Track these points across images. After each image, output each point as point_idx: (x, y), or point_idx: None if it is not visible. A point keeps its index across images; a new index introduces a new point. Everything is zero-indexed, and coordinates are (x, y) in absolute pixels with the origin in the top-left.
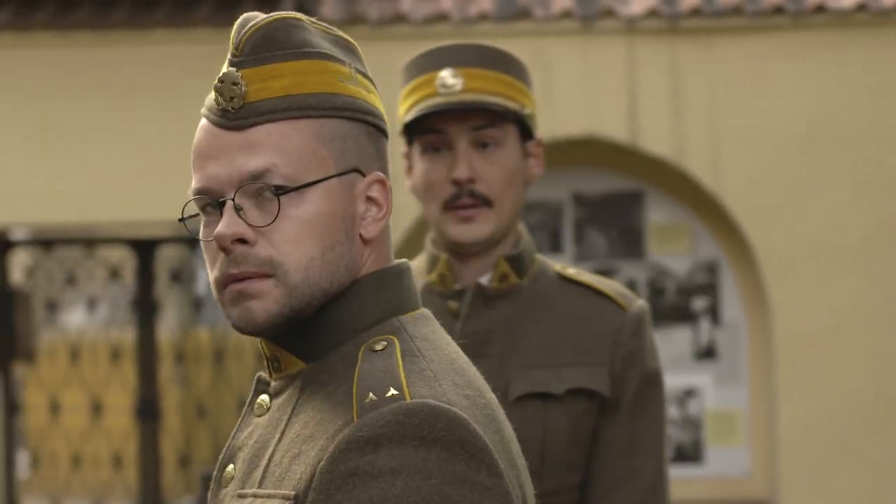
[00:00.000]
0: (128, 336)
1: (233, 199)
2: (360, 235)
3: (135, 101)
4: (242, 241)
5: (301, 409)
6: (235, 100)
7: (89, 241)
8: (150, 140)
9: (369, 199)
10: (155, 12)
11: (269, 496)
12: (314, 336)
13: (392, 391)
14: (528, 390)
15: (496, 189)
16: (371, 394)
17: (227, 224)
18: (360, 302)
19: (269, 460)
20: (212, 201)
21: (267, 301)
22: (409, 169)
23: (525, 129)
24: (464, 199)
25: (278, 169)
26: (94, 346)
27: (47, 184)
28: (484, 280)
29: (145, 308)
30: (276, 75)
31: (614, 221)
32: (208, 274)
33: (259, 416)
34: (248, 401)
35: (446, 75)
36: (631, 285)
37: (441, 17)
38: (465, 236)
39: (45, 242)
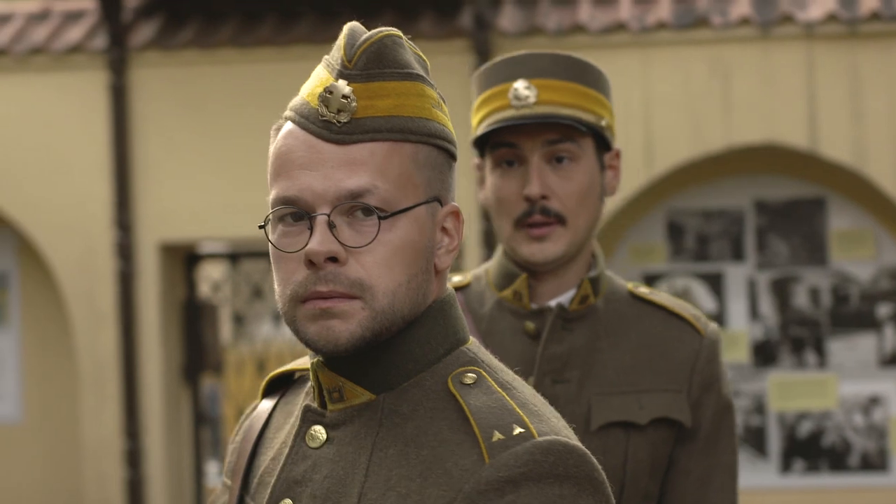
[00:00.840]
0: None
1: (328, 215)
2: (434, 265)
3: None
4: (334, 259)
5: (386, 444)
6: (343, 113)
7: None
8: None
9: (444, 229)
10: (333, 27)
11: None
12: (384, 367)
13: (518, 429)
14: (610, 419)
15: (570, 206)
16: (497, 432)
17: (320, 240)
18: (431, 332)
19: (360, 499)
20: (301, 213)
21: (351, 322)
22: (482, 182)
23: (602, 140)
24: (536, 216)
25: (378, 190)
26: (280, 358)
27: (235, 199)
28: (564, 301)
29: None
30: (383, 94)
31: (796, 228)
32: (276, 282)
33: (316, 447)
34: (294, 430)
35: (519, 87)
36: (814, 292)
37: (619, 27)
38: (537, 255)
39: (233, 256)
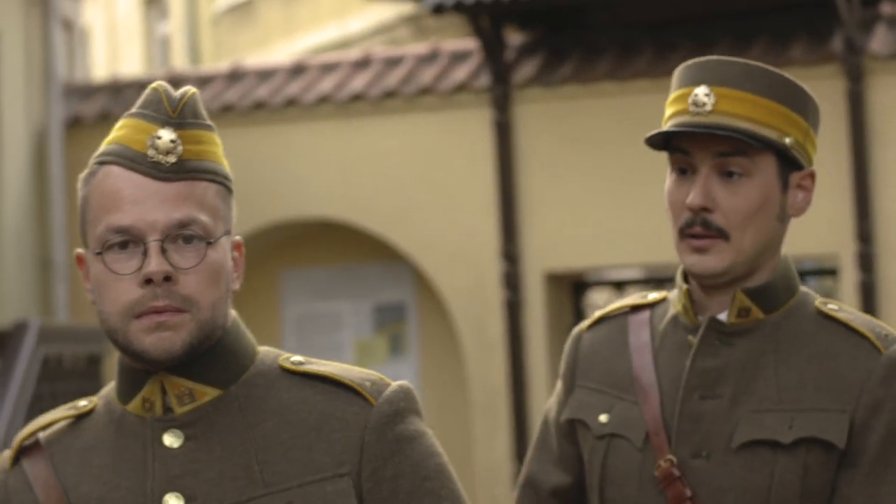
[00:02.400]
0: None
1: (161, 241)
2: (232, 289)
3: None
4: (168, 278)
5: (262, 420)
6: (171, 155)
7: (659, 280)
8: None
9: (233, 257)
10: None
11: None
12: (222, 367)
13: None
14: (753, 437)
15: (735, 221)
16: (368, 383)
17: (157, 262)
18: (244, 337)
19: (262, 466)
20: (132, 240)
21: (182, 332)
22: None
23: (789, 159)
24: (697, 227)
25: (199, 221)
26: None
27: (618, 227)
28: (722, 315)
29: None
30: (200, 140)
31: None
32: (105, 303)
33: (179, 447)
34: (150, 440)
35: (700, 93)
36: None
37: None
38: (696, 267)
39: (619, 283)
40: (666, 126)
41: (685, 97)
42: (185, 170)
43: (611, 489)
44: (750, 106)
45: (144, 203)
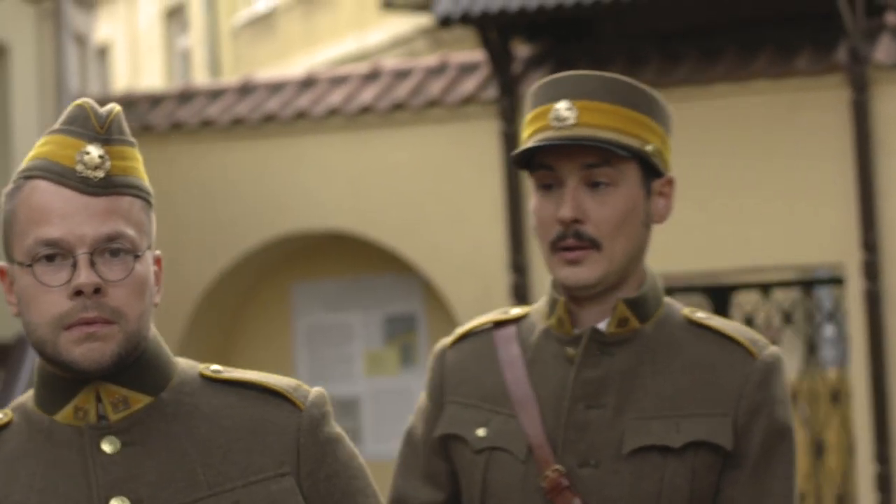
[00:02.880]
0: None
1: (90, 254)
2: (154, 303)
3: (708, 153)
4: (97, 290)
5: (196, 425)
6: (99, 170)
7: (667, 291)
8: (722, 191)
9: (154, 272)
10: (752, 63)
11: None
12: (152, 376)
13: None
14: (644, 443)
15: (605, 231)
16: (292, 388)
17: (87, 274)
18: (164, 347)
19: (204, 468)
20: (60, 253)
21: (111, 343)
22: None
23: (650, 166)
24: (569, 240)
25: (127, 235)
26: None
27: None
28: (601, 325)
29: None
30: (125, 157)
31: None
32: (33, 315)
33: (116, 452)
34: (87, 447)
35: (561, 108)
36: None
37: None
38: (570, 279)
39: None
40: (529, 143)
41: (545, 114)
42: (112, 185)
43: (492, 502)
44: (611, 116)
45: (73, 217)
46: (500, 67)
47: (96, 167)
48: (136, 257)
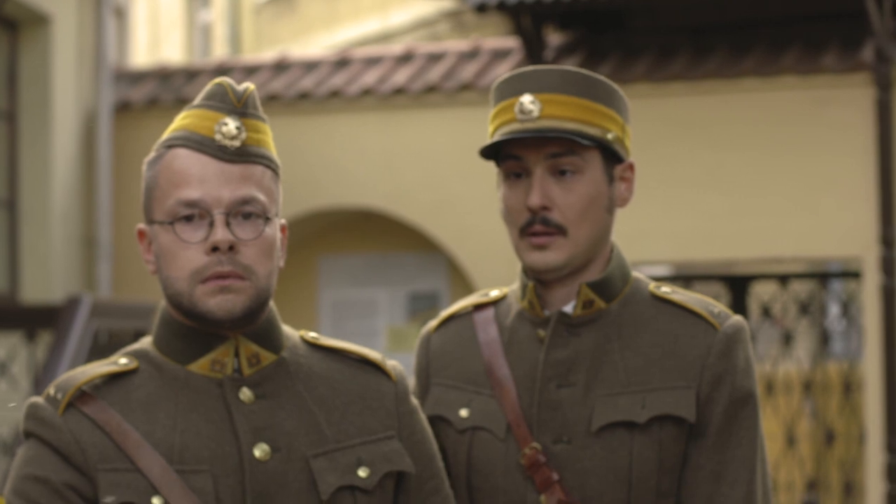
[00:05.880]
0: None
1: (226, 215)
2: (279, 266)
3: (734, 145)
4: (231, 248)
5: (314, 385)
6: (235, 140)
7: (687, 278)
8: (746, 182)
9: (280, 239)
10: (744, 61)
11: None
12: (274, 337)
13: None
14: (610, 419)
15: (571, 217)
16: (381, 359)
17: (223, 233)
18: (276, 311)
19: (328, 423)
20: (199, 213)
21: (243, 296)
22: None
23: (612, 153)
24: (537, 226)
25: (259, 200)
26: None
27: (648, 226)
28: (568, 308)
29: None
30: (260, 130)
31: None
32: (172, 269)
33: (251, 402)
34: (228, 396)
35: (525, 101)
36: None
37: None
38: (538, 263)
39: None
40: (496, 136)
41: (510, 107)
42: (246, 154)
43: (477, 478)
44: (573, 108)
45: (211, 181)
46: (532, 54)
47: (233, 137)
48: (267, 220)
